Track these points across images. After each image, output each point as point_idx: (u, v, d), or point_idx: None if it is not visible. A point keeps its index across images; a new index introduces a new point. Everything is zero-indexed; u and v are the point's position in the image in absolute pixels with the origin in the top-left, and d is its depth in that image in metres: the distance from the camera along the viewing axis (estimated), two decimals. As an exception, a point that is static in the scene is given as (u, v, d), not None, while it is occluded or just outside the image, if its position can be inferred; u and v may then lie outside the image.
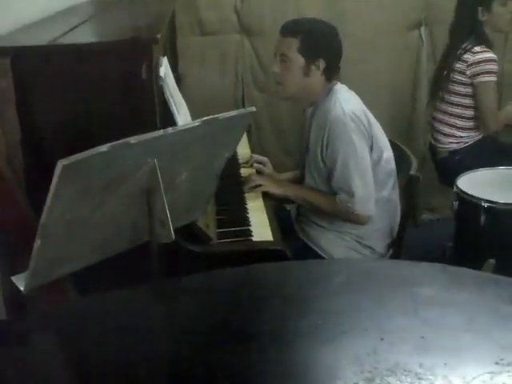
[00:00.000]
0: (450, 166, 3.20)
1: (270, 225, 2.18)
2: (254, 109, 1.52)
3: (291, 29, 2.37)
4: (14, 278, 1.36)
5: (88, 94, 1.74)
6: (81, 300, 1.63)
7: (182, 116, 2.29)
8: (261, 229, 2.14)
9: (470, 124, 3.19)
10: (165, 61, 2.40)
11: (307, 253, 2.43)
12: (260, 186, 2.48)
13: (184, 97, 2.87)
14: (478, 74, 3.05)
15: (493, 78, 3.06)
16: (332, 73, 2.40)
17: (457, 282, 1.27)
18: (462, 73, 3.10)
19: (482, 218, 2.56)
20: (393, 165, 2.45)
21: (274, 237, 2.08)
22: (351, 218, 2.37)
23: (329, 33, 2.38)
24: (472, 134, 3.20)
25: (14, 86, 1.68)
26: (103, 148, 1.23)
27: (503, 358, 1.02)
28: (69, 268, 1.41)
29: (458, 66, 3.10)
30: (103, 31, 2.12)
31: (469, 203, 2.62)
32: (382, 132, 2.44)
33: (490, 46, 3.10)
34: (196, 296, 1.31)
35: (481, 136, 3.24)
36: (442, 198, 3.68)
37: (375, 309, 1.19)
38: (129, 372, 1.12)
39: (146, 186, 1.40)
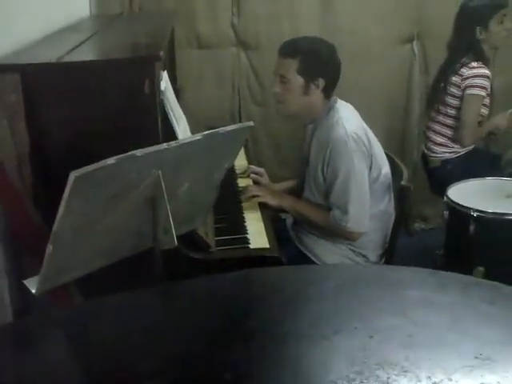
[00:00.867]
0: (441, 176, 3.29)
1: (267, 233, 2.26)
2: (251, 123, 1.61)
3: (289, 50, 2.41)
4: (26, 282, 1.43)
5: (93, 108, 1.82)
6: (85, 303, 1.70)
7: (182, 129, 2.37)
8: (257, 237, 2.22)
9: (462, 135, 3.28)
10: (165, 75, 2.48)
11: (302, 260, 2.51)
12: (257, 196, 2.56)
13: (182, 108, 2.96)
14: (469, 87, 3.15)
15: (482, 93, 3.16)
16: (331, 90, 2.47)
17: (443, 284, 1.36)
18: (457, 86, 3.19)
19: (472, 227, 2.65)
20: (390, 179, 2.53)
21: (270, 244, 2.16)
22: (343, 234, 2.44)
23: (327, 52, 2.43)
24: (464, 144, 3.30)
25: (24, 100, 1.76)
26: (111, 160, 1.31)
27: (482, 353, 1.11)
28: (77, 273, 1.50)
29: (454, 79, 3.20)
30: (108, 48, 2.21)
31: (459, 212, 2.71)
32: (380, 148, 2.52)
33: (486, 62, 3.21)
34: (197, 298, 1.39)
35: (472, 147, 3.33)
36: (435, 207, 3.77)
37: (365, 310, 1.28)
38: (131, 370, 1.19)
39: (151, 196, 1.48)
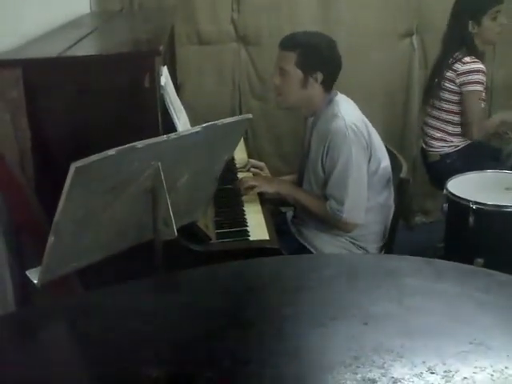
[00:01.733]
0: (441, 170, 3.30)
1: (267, 225, 2.28)
2: (250, 116, 1.63)
3: (289, 43, 2.44)
4: (28, 272, 1.46)
5: (94, 102, 1.85)
6: (86, 293, 1.72)
7: (182, 123, 2.39)
8: (257, 229, 2.25)
9: (460, 129, 3.29)
10: (165, 70, 2.51)
11: (302, 253, 2.52)
12: (253, 186, 2.57)
13: (183, 104, 2.98)
14: (466, 84, 3.17)
15: (479, 88, 3.18)
16: (330, 83, 2.48)
17: (439, 273, 1.38)
18: (452, 81, 3.21)
19: (471, 219, 2.66)
20: (389, 173, 2.55)
21: (270, 236, 2.18)
22: (338, 224, 2.46)
23: (326, 46, 2.44)
24: (462, 138, 3.31)
25: (25, 95, 1.78)
26: (111, 152, 1.33)
27: (476, 339, 1.13)
28: (78, 263, 1.52)
29: (449, 74, 3.22)
30: (108, 43, 2.24)
31: (458, 205, 2.73)
32: (380, 141, 2.54)
33: (479, 57, 3.22)
34: (196, 287, 1.41)
35: (471, 140, 3.35)
36: (435, 201, 3.79)
37: (362, 297, 1.30)
38: (132, 357, 1.20)
39: (151, 187, 1.50)
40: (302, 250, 2.57)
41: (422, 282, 1.34)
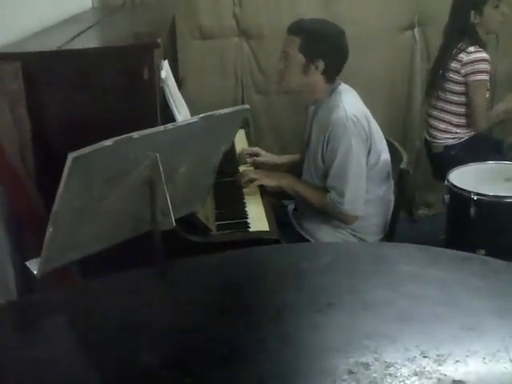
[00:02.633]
0: (444, 161, 3.29)
1: (267, 217, 2.29)
2: (247, 106, 1.65)
3: (295, 27, 2.45)
4: (28, 263, 1.47)
5: (94, 94, 1.86)
6: (85, 282, 1.74)
7: (183, 116, 2.40)
8: (258, 221, 2.26)
9: (464, 121, 3.29)
10: (165, 64, 2.52)
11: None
12: (254, 180, 2.57)
13: (185, 99, 2.99)
14: (471, 73, 3.16)
15: (485, 77, 3.17)
16: (332, 74, 2.47)
17: (435, 260, 1.39)
18: (457, 71, 3.20)
19: (472, 210, 2.67)
20: (389, 165, 2.55)
21: (270, 228, 2.19)
22: (338, 216, 2.46)
23: (332, 35, 2.44)
24: (466, 130, 3.30)
25: (25, 88, 1.80)
26: (108, 142, 1.35)
27: (470, 324, 1.14)
28: (78, 254, 1.53)
29: (453, 65, 3.21)
30: (108, 37, 2.25)
31: (459, 196, 2.73)
32: (381, 134, 2.53)
33: (483, 46, 3.21)
34: (195, 275, 1.42)
35: (475, 132, 3.34)
36: (438, 193, 3.77)
37: (357, 284, 1.31)
38: (131, 345, 1.22)
39: (148, 178, 1.51)
40: (303, 241, 2.57)
41: (417, 269, 1.35)
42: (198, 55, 3.78)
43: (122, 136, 1.37)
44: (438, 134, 3.36)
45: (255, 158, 2.87)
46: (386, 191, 2.57)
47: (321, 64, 2.41)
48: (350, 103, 2.42)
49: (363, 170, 2.42)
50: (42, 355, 1.23)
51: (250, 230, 2.19)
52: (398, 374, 1.02)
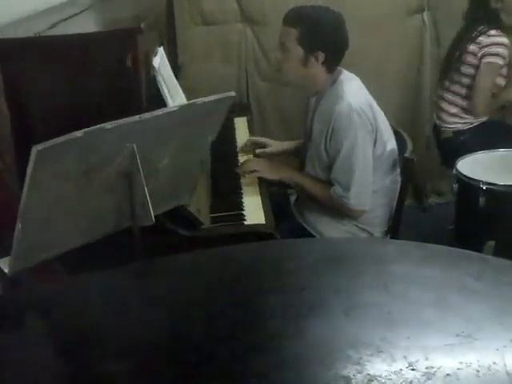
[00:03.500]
0: (453, 147, 3.18)
1: (264, 209, 2.20)
2: (233, 93, 1.54)
3: (292, 18, 2.33)
4: (-1, 262, 1.40)
5: (76, 83, 1.78)
6: (70, 279, 1.66)
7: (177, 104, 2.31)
8: (254, 213, 2.17)
9: (476, 106, 3.17)
10: (160, 51, 2.43)
11: (304, 236, 2.44)
12: (255, 171, 2.48)
13: (187, 87, 2.89)
14: (486, 55, 3.04)
15: (498, 62, 3.04)
16: (333, 64, 2.36)
17: (429, 258, 1.28)
18: (474, 54, 3.08)
19: (481, 200, 2.56)
20: (396, 154, 2.45)
21: (266, 220, 2.10)
22: (344, 210, 2.37)
23: (331, 24, 2.31)
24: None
25: (4, 77, 1.72)
26: (78, 134, 1.26)
27: (464, 331, 1.03)
28: (53, 251, 1.45)
29: (472, 47, 3.08)
30: (91, 23, 2.16)
31: (468, 185, 2.63)
32: (386, 123, 2.42)
33: (506, 31, 3.08)
34: (179, 273, 1.34)
35: (486, 119, 3.22)
36: (449, 181, 3.66)
37: (345, 285, 1.21)
38: (117, 341, 1.15)
39: (126, 171, 1.43)
40: (303, 232, 2.49)
41: (410, 268, 1.25)
42: (201, 42, 3.71)
43: (94, 127, 1.29)
44: (448, 118, 3.24)
45: (264, 150, 2.76)
46: (392, 181, 2.47)
47: (321, 55, 2.30)
48: (353, 94, 2.31)
49: (369, 162, 2.31)
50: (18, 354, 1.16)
51: (246, 222, 2.10)
52: (382, 388, 0.93)
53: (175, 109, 1.42)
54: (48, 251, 1.43)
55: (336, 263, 1.30)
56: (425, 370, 0.96)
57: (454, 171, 2.70)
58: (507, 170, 2.68)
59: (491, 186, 2.54)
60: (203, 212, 2.07)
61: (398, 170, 2.47)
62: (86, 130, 1.27)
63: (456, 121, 3.22)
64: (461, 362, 0.97)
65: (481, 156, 2.81)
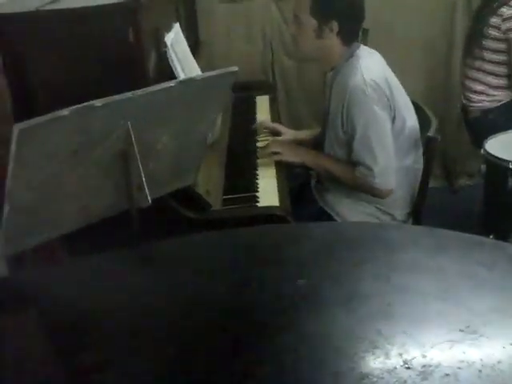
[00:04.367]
0: (482, 127, 3.04)
1: (279, 191, 2.11)
2: (236, 68, 1.46)
3: None
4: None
5: (79, 57, 1.72)
6: (72, 260, 1.62)
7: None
8: (268, 195, 2.08)
9: (504, 82, 3.02)
10: (176, 27, 2.36)
11: (323, 218, 2.36)
12: (277, 153, 2.42)
13: (210, 65, 2.82)
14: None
15: None
16: (349, 36, 2.27)
17: (440, 246, 1.19)
18: (497, 27, 2.93)
19: (510, 182, 2.44)
20: (417, 132, 2.34)
21: (280, 203, 2.02)
22: (371, 191, 2.28)
23: None
24: (506, 92, 3.04)
25: (3, 53, 1.66)
26: (64, 112, 1.19)
27: (469, 326, 0.94)
28: (47, 234, 1.40)
29: (494, 20, 2.93)
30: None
31: (496, 166, 2.51)
32: (406, 98, 2.32)
33: None
34: (171, 259, 1.28)
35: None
36: (479, 162, 3.54)
37: (344, 273, 1.13)
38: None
39: (121, 150, 1.36)
40: (324, 216, 2.40)
41: (418, 256, 1.15)
42: (224, 19, 3.63)
43: (82, 104, 1.22)
44: (475, 97, 3.10)
45: (277, 138, 2.67)
46: (414, 161, 2.36)
47: (335, 25, 2.21)
48: (368, 67, 2.21)
49: (389, 138, 2.21)
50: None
51: (259, 205, 2.02)
52: (372, 388, 0.85)
53: (172, 84, 1.34)
54: (41, 234, 1.38)
55: (338, 250, 1.21)
56: (421, 369, 0.87)
57: (482, 151, 2.58)
58: (539, 149, 2.54)
59: (521, 167, 2.42)
60: (214, 193, 1.99)
61: (421, 151, 2.36)
62: (73, 107, 1.20)
63: (483, 99, 3.07)
64: (462, 361, 0.88)
65: (510, 135, 2.67)
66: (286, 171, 2.37)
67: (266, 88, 3.33)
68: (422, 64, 3.68)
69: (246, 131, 2.68)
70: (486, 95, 3.06)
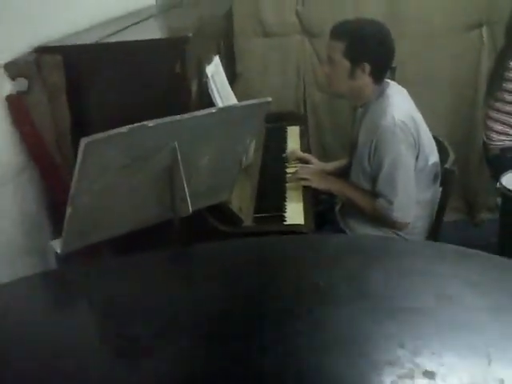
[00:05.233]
0: (501, 164, 3.18)
1: (305, 212, 2.30)
2: (269, 99, 1.66)
3: (337, 32, 2.41)
4: (52, 243, 1.56)
5: (130, 86, 1.94)
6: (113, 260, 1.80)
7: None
8: (295, 215, 2.27)
9: (524, 123, 3.19)
10: (216, 59, 2.57)
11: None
12: (305, 179, 2.59)
13: (245, 96, 3.02)
14: None
15: None
16: (381, 75, 2.43)
17: (437, 255, 1.36)
18: None
19: (525, 215, 2.58)
20: (438, 168, 2.50)
21: (305, 221, 2.20)
22: (389, 222, 2.43)
23: (376, 36, 2.38)
24: (524, 132, 3.20)
25: (66, 80, 1.89)
26: (123, 129, 1.40)
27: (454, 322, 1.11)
28: (99, 236, 1.60)
29: None
30: (147, 32, 2.32)
31: (511, 199, 2.64)
32: (430, 136, 2.47)
33: None
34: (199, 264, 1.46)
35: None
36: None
37: (349, 278, 1.30)
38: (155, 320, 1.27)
39: (168, 166, 1.56)
40: (342, 235, 2.56)
41: (418, 264, 1.32)
42: (260, 52, 3.81)
43: (137, 124, 1.43)
44: (495, 136, 3.26)
45: (305, 165, 2.84)
46: (433, 195, 2.52)
47: (367, 67, 2.37)
48: (398, 107, 2.36)
49: (412, 176, 2.37)
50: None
51: (285, 223, 2.21)
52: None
53: (214, 110, 1.55)
54: (95, 236, 1.58)
55: (346, 260, 1.38)
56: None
57: (498, 185, 2.72)
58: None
59: (535, 201, 2.56)
60: (246, 211, 2.19)
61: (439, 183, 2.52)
62: (130, 126, 1.41)
63: (503, 138, 3.23)
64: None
65: (527, 172, 2.82)
66: (312, 196, 2.55)
67: (298, 119, 3.51)
68: (447, 102, 3.82)
69: (277, 158, 2.88)
70: (506, 135, 3.22)
